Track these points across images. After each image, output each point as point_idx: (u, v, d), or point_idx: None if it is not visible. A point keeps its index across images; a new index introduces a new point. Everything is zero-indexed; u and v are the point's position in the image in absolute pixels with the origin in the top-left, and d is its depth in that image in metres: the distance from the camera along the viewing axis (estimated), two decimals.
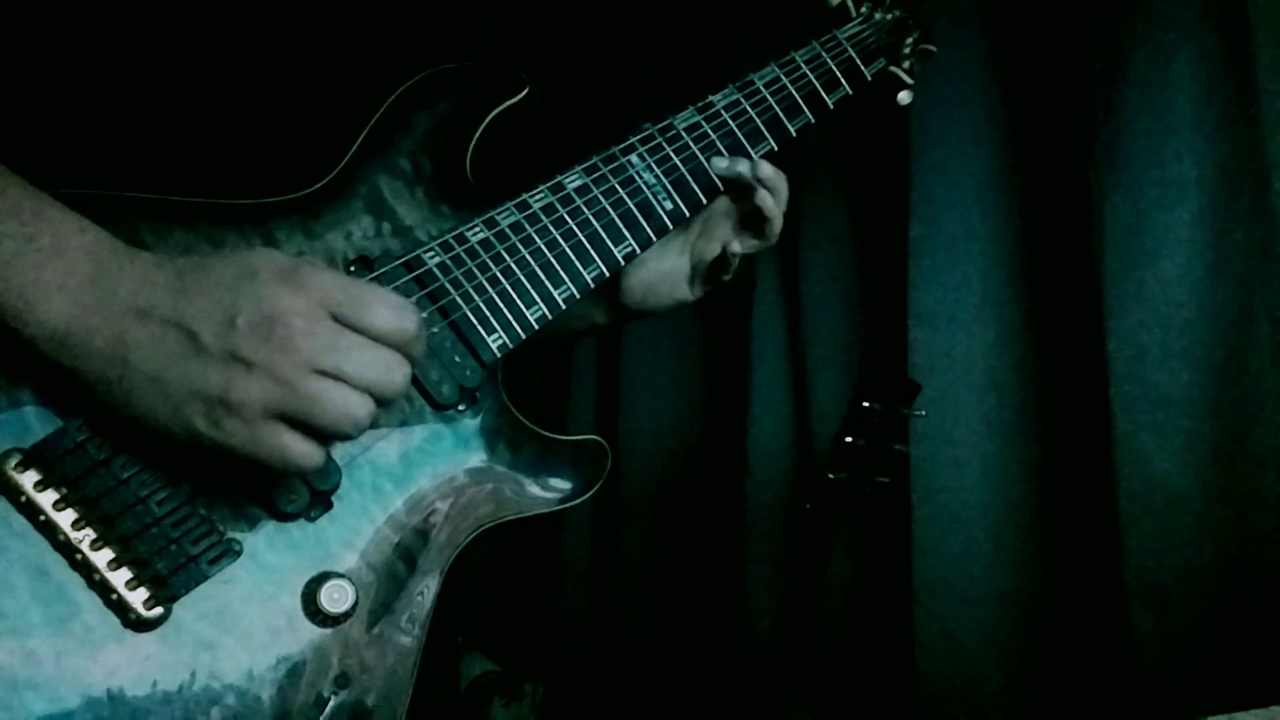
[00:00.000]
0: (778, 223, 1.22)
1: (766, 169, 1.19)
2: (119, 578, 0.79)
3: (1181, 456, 1.71)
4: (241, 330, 0.75)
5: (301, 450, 0.78)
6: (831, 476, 1.59)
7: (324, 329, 0.77)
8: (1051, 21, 1.90)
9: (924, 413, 1.71)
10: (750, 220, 1.22)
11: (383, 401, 0.80)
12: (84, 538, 0.79)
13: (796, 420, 2.22)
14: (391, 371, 0.80)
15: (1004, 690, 1.88)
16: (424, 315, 0.89)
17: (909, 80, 1.36)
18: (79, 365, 0.76)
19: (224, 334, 0.75)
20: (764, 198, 1.19)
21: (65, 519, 0.78)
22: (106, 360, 0.76)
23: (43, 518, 0.78)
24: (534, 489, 1.02)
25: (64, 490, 0.79)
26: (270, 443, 0.77)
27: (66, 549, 0.78)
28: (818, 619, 1.74)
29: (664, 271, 1.24)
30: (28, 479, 0.78)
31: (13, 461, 0.77)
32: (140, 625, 0.80)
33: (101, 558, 0.79)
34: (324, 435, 0.79)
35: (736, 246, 1.21)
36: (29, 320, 0.75)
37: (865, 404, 1.58)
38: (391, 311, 0.80)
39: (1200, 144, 1.71)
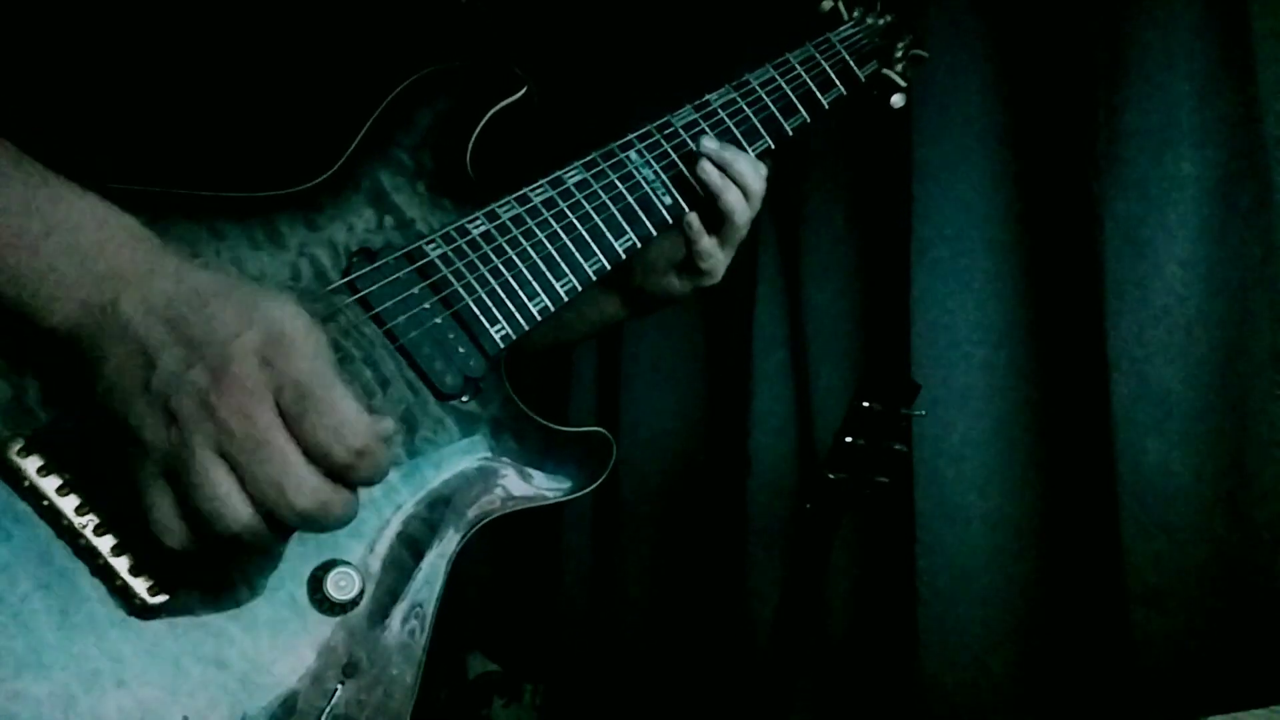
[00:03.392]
0: (737, 217, 1.19)
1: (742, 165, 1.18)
2: (122, 564, 0.79)
3: (1182, 456, 1.72)
4: (186, 382, 0.70)
5: (167, 523, 0.72)
6: (831, 476, 1.59)
7: (258, 414, 0.70)
8: (1052, 22, 1.91)
9: (924, 412, 1.71)
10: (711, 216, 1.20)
11: (272, 520, 0.72)
12: (87, 523, 0.78)
13: (798, 420, 2.23)
14: (295, 493, 0.70)
15: (1006, 690, 1.88)
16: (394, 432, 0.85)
17: (901, 83, 1.39)
18: (90, 368, 0.74)
19: (171, 376, 0.70)
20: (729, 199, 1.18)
21: (68, 504, 0.78)
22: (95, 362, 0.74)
23: (46, 503, 0.77)
24: (539, 480, 1.02)
25: (67, 475, 0.78)
26: (149, 500, 0.73)
27: (70, 534, 0.78)
28: (818, 619, 1.74)
29: (652, 259, 1.24)
30: (30, 464, 0.77)
31: (16, 446, 0.77)
32: (144, 611, 0.79)
33: (105, 543, 0.78)
34: (195, 518, 0.72)
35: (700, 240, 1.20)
36: (42, 317, 0.74)
37: (865, 404, 1.58)
38: (351, 432, 0.71)
39: (1200, 144, 1.72)
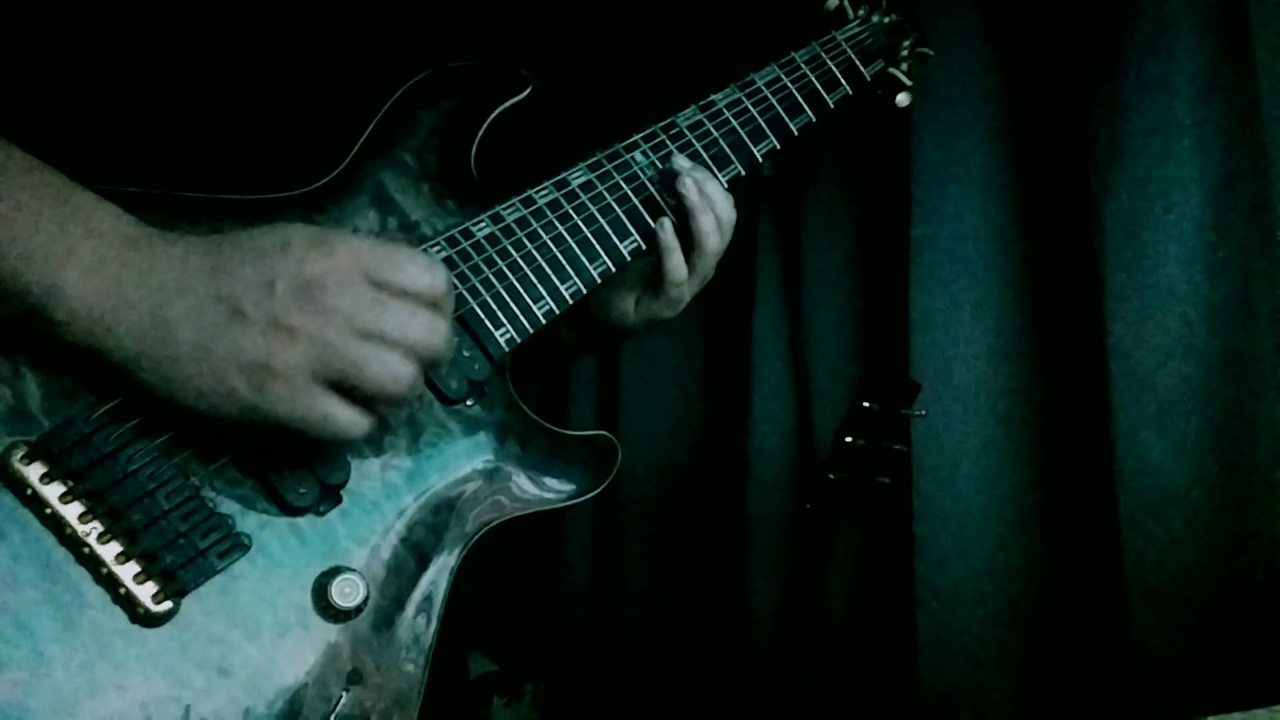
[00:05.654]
0: (709, 242, 1.14)
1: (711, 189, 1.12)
2: (127, 571, 0.78)
3: (1181, 456, 1.71)
4: (280, 297, 0.76)
5: (348, 417, 0.79)
6: (831, 476, 1.59)
7: (360, 291, 0.78)
8: (1052, 23, 1.90)
9: (924, 412, 1.71)
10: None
11: (425, 361, 0.81)
12: (91, 531, 0.78)
13: (798, 420, 2.22)
14: (430, 328, 0.80)
15: (1005, 690, 1.87)
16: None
17: (907, 82, 1.39)
18: (111, 344, 0.76)
19: (264, 302, 0.76)
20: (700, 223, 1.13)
21: (72, 512, 0.78)
22: (142, 336, 0.76)
23: (49, 511, 0.77)
24: (543, 484, 1.02)
25: (70, 483, 0.78)
26: (316, 409, 0.77)
27: (73, 543, 0.78)
28: (818, 619, 1.74)
29: (614, 285, 1.19)
30: (33, 471, 0.77)
31: (19, 454, 0.77)
32: (148, 620, 0.79)
33: (109, 551, 0.78)
34: (370, 400, 0.80)
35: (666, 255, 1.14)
36: (61, 300, 0.75)
37: (865, 404, 1.58)
38: (422, 270, 0.81)
39: (1200, 144, 1.71)
